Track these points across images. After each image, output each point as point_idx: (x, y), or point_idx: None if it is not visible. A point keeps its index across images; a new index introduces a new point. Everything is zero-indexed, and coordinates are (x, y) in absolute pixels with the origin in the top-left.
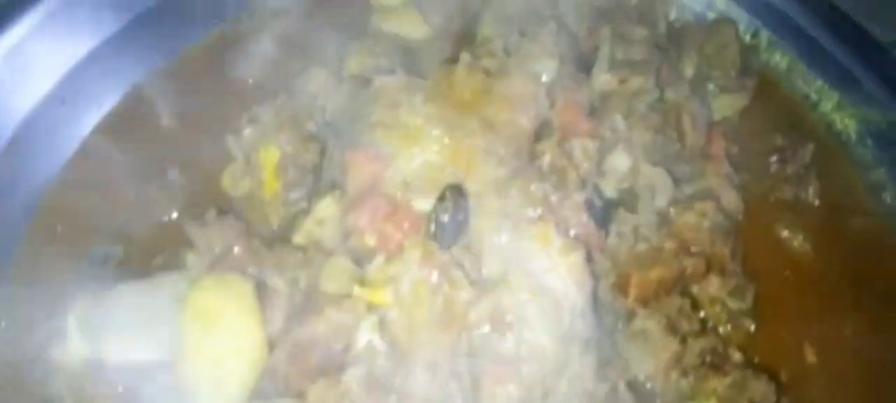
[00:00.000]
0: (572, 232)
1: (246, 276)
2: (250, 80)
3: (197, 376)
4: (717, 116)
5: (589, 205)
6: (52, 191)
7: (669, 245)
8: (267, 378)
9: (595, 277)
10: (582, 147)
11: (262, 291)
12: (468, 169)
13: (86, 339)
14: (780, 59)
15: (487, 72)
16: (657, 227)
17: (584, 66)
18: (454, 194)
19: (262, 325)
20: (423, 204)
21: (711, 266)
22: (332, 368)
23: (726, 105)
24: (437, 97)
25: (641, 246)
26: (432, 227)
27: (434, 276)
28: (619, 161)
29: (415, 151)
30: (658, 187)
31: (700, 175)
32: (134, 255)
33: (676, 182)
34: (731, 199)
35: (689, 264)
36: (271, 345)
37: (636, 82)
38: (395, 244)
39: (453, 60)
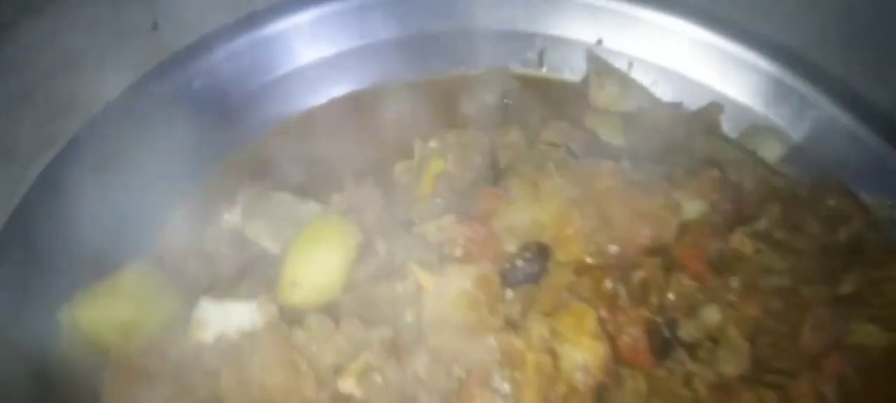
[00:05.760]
0: (620, 341)
1: (363, 232)
2: (459, 114)
3: (285, 268)
4: (851, 341)
5: (652, 330)
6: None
7: None
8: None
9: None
10: (682, 283)
11: (367, 248)
12: (566, 242)
13: (243, 214)
14: None
15: (631, 182)
16: (711, 388)
17: (734, 222)
18: (537, 253)
19: (346, 266)
20: (512, 246)
21: None
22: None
23: (870, 336)
24: (577, 178)
25: (685, 392)
26: (507, 265)
27: (478, 295)
28: (711, 314)
29: (532, 206)
30: (738, 356)
31: (790, 377)
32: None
33: (759, 365)
34: None
35: None
36: (346, 287)
37: (772, 259)
38: (467, 255)
39: None
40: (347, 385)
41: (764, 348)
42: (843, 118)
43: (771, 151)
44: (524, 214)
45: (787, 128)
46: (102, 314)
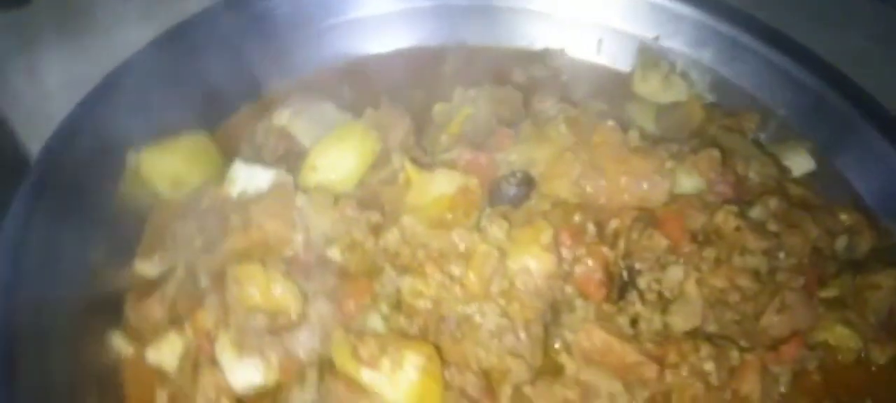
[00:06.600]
0: (577, 268)
1: (384, 145)
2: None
3: (309, 155)
4: (819, 337)
5: (610, 269)
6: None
7: (649, 349)
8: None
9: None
10: (654, 240)
11: (383, 158)
12: (553, 178)
13: (292, 114)
14: None
15: (631, 147)
16: (655, 333)
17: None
18: (522, 180)
19: (361, 167)
20: (504, 170)
21: None
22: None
23: (841, 338)
24: (578, 127)
25: (627, 331)
26: (495, 186)
27: (458, 200)
28: (675, 272)
29: (533, 146)
30: (689, 311)
31: (741, 350)
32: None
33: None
34: (752, 389)
35: (644, 375)
36: (358, 186)
37: (749, 239)
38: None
39: None
40: (332, 253)
41: (729, 325)
42: (880, 145)
43: (799, 165)
44: (524, 153)
45: (821, 146)
46: (159, 165)
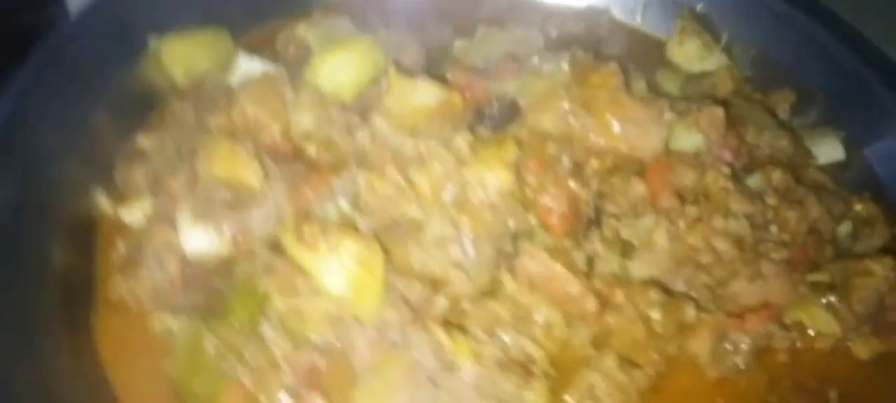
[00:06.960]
0: (540, 197)
1: (391, 65)
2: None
3: (313, 59)
4: (794, 316)
5: (575, 204)
6: None
7: (598, 290)
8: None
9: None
10: (633, 186)
11: (386, 76)
12: (540, 110)
13: (310, 26)
14: None
15: (631, 95)
16: (609, 278)
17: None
18: (507, 107)
19: (361, 78)
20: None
21: None
22: None
23: (817, 320)
24: (579, 73)
25: (579, 266)
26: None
27: (436, 114)
28: (647, 220)
29: (529, 80)
30: (652, 259)
31: (698, 309)
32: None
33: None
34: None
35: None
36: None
37: (735, 201)
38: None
39: None
40: (308, 147)
41: (700, 288)
42: None
43: (827, 152)
44: (519, 86)
45: (856, 135)
46: (177, 52)
